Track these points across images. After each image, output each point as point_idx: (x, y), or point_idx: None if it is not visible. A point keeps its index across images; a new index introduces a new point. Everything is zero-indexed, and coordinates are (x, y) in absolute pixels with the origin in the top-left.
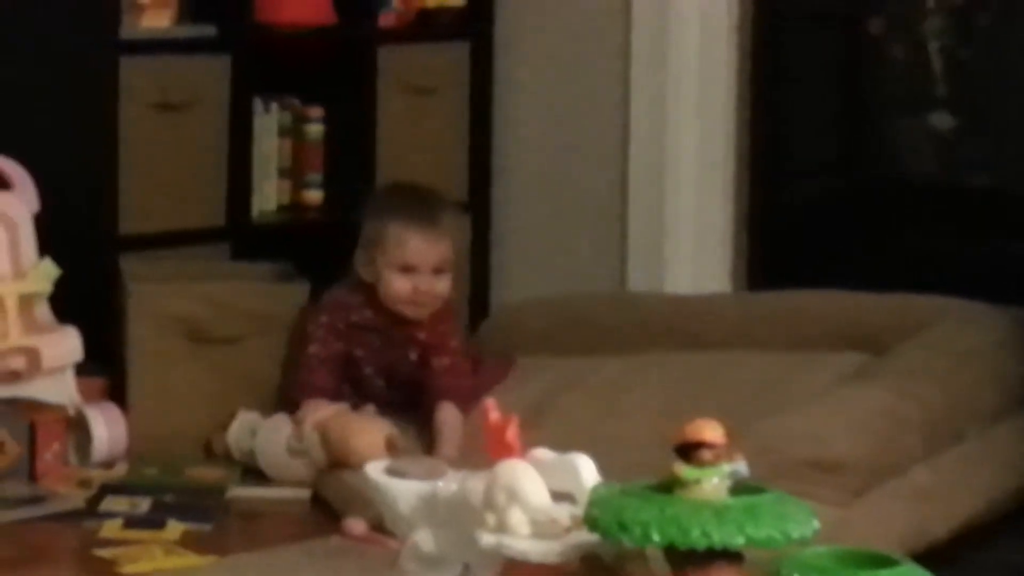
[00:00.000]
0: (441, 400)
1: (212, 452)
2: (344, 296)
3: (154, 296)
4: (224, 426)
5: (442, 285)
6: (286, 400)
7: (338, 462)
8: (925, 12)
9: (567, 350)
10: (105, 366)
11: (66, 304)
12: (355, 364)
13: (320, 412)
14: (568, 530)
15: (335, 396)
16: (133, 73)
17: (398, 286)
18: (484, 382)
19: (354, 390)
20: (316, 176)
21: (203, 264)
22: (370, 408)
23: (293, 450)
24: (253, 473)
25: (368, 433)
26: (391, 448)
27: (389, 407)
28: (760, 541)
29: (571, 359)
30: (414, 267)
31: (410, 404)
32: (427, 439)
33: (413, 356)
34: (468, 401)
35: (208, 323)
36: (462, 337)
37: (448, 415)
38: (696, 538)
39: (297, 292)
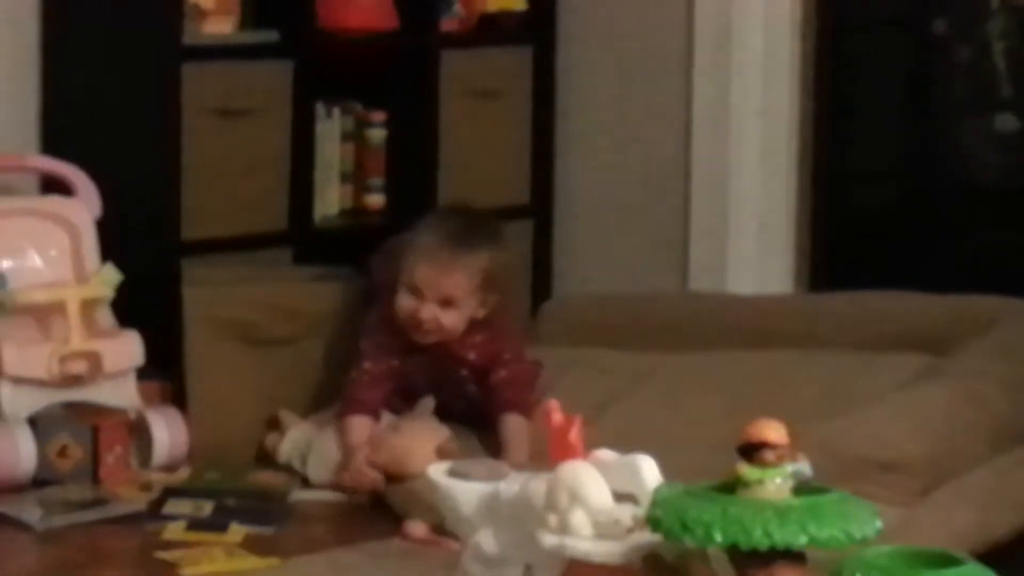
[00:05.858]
0: (504, 413)
1: (266, 454)
2: (393, 314)
3: (208, 300)
4: (271, 426)
5: (449, 318)
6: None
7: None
8: (990, 13)
9: (627, 344)
10: (166, 370)
11: (128, 309)
12: (407, 377)
13: (362, 454)
14: (630, 531)
15: (378, 412)
16: (195, 79)
17: (402, 304)
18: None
19: (406, 401)
20: (378, 181)
21: (264, 269)
22: (426, 402)
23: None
24: None
25: (420, 449)
26: (445, 457)
27: (443, 414)
28: (823, 541)
29: (633, 355)
30: (420, 292)
31: (464, 409)
32: (494, 451)
33: (465, 372)
34: (532, 408)
35: (263, 325)
36: (520, 341)
37: (513, 426)
38: (758, 538)
39: (349, 290)
